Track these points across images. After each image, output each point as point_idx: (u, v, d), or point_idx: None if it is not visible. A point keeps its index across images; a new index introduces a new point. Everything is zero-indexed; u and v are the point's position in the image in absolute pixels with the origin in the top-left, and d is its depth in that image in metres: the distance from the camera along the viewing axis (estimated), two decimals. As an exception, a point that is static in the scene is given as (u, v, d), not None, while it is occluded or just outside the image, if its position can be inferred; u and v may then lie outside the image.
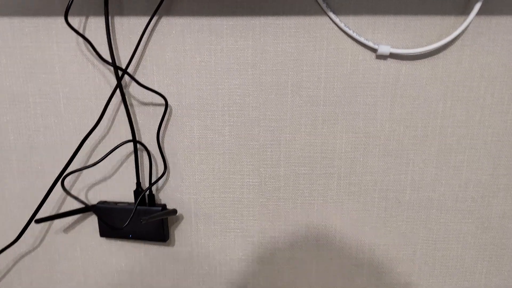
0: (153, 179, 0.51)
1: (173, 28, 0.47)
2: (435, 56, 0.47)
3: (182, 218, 0.53)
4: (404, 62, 0.48)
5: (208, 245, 0.54)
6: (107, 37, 0.45)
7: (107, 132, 0.50)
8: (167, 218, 0.51)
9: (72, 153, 0.50)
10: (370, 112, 0.49)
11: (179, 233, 0.54)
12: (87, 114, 0.50)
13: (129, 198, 0.52)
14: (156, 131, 0.49)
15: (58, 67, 0.48)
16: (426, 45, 0.47)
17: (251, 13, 0.46)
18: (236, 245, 0.54)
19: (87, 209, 0.50)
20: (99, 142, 0.51)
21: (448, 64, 0.47)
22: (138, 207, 0.49)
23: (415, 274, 0.55)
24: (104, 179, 0.52)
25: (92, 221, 0.53)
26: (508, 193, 0.51)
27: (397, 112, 0.49)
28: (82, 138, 0.50)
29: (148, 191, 0.49)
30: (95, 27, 0.47)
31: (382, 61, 0.48)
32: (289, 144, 0.50)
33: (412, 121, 0.49)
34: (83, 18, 0.47)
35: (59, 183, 0.47)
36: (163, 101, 0.49)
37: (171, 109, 0.49)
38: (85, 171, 0.52)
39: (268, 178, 0.51)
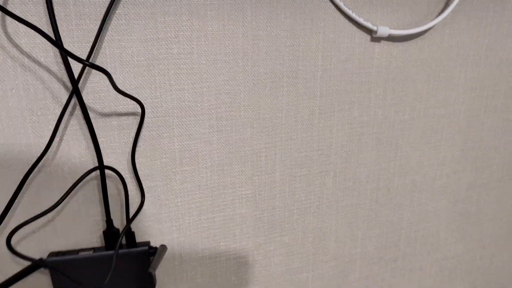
0: (129, 212, 0.38)
1: (140, 11, 0.35)
2: (422, 36, 0.46)
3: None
4: (396, 44, 0.45)
5: (195, 277, 0.44)
6: (51, 19, 0.30)
7: (52, 160, 0.36)
8: (149, 259, 0.39)
9: (6, 198, 0.34)
10: (364, 100, 0.45)
11: (161, 270, 0.43)
12: (20, 137, 0.34)
13: (90, 242, 0.39)
14: (131, 150, 0.37)
15: (-38, 72, 0.32)
16: (417, 26, 0.45)
17: (243, -10, 0.37)
18: (228, 270, 0.46)
19: (37, 266, 0.35)
20: (45, 176, 0.36)
21: (432, 44, 0.46)
22: (111, 251, 0.37)
23: (400, 258, 0.55)
24: (54, 222, 0.37)
25: (39, 283, 0.38)
26: (473, 166, 0.54)
27: (389, 97, 0.46)
28: (16, 174, 0.34)
29: (126, 230, 0.37)
30: (28, 9, 0.32)
31: (376, 43, 0.44)
32: (285, 145, 0.43)
33: (402, 105, 0.47)
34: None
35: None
36: (132, 109, 0.36)
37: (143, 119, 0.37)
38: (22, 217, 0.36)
39: (262, 186, 0.44)
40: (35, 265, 0.35)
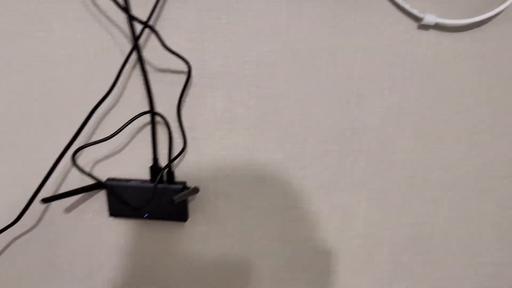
0: (172, 155, 0.45)
1: (198, -16, 0.41)
2: (477, 28, 0.44)
3: (200, 196, 0.49)
4: (447, 33, 0.44)
5: (225, 224, 0.50)
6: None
7: (117, 102, 0.44)
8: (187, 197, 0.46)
9: (77, 125, 0.43)
10: (406, 87, 0.46)
11: (196, 211, 0.50)
12: (93, 80, 0.43)
13: (140, 175, 0.47)
14: (177, 102, 0.44)
15: (56, 24, 0.41)
16: (470, 17, 0.43)
17: (289, -29, 0.41)
18: (256, 224, 0.51)
19: (97, 186, 0.44)
20: (107, 112, 0.44)
21: (489, 37, 0.45)
22: (153, 184, 0.45)
23: (433, 252, 0.54)
24: (113, 153, 0.46)
25: (98, 199, 0.48)
26: (531, 172, 0.51)
27: (433, 87, 0.46)
28: (86, 107, 0.44)
29: (167, 168, 0.44)
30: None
31: (424, 31, 0.44)
32: (319, 119, 0.46)
33: (448, 97, 0.47)
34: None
35: (65, 158, 0.41)
36: (184, 68, 0.43)
37: (191, 78, 0.44)
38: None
39: (294, 155, 0.48)
40: (97, 184, 0.45)
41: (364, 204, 0.51)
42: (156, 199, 0.44)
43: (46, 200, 0.41)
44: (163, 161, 0.47)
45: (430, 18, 0.42)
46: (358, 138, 0.47)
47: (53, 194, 0.44)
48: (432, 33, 0.44)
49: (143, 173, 0.47)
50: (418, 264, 0.55)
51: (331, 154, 0.48)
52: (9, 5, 0.40)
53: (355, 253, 0.53)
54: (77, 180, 0.47)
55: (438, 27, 0.44)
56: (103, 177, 0.47)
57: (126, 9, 0.37)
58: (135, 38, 0.39)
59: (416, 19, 0.43)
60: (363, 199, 0.51)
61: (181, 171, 0.47)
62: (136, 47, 0.40)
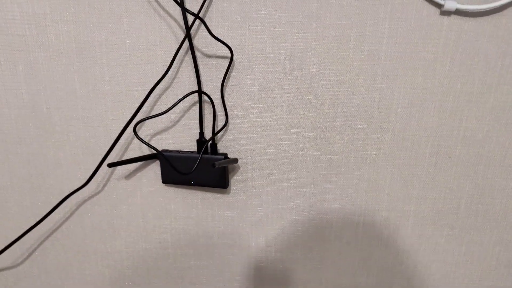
0: (216, 129, 0.52)
1: (240, -21, 0.47)
2: (498, 13, 0.48)
3: (239, 167, 0.55)
4: (467, 18, 0.48)
5: (261, 194, 0.57)
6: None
7: (171, 83, 0.52)
8: (227, 166, 0.53)
9: (138, 103, 0.51)
10: (429, 69, 0.50)
11: (235, 181, 0.56)
12: (152, 64, 0.51)
13: (188, 147, 0.54)
14: (221, 83, 0.51)
15: (125, 17, 0.49)
16: (491, 2, 0.47)
17: (319, -35, 0.47)
18: (288, 195, 0.57)
19: (154, 156, 0.52)
20: (163, 92, 0.52)
21: (510, 21, 0.48)
22: (201, 155, 0.52)
23: (458, 227, 0.57)
24: (166, 128, 0.54)
25: (152, 168, 0.56)
26: (556, 152, 0.53)
27: (456, 69, 0.50)
28: (146, 87, 0.52)
29: (211, 141, 0.51)
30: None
31: (445, 17, 0.48)
32: (347, 99, 0.51)
33: (470, 78, 0.50)
34: (150, -32, 0.48)
35: (127, 131, 0.49)
36: (227, 53, 0.50)
37: (233, 62, 0.50)
38: (146, 120, 0.53)
39: (323, 132, 0.53)
40: (154, 154, 0.52)
41: (389, 179, 0.55)
42: (201, 167, 0.51)
43: (111, 165, 0.49)
44: (208, 135, 0.54)
45: (450, 4, 0.46)
46: (383, 116, 0.52)
47: (117, 161, 0.52)
48: (453, 18, 0.48)
49: (191, 145, 0.54)
50: (443, 238, 0.58)
51: (357, 131, 0.53)
52: (89, 3, 0.49)
53: (380, 226, 0.58)
54: (136, 151, 0.55)
55: (459, 12, 0.48)
56: (157, 148, 0.54)
57: (181, 3, 0.45)
58: (187, 28, 0.47)
59: (438, 5, 0.47)
60: (388, 174, 0.55)
61: (223, 145, 0.54)
62: (188, 36, 0.47)
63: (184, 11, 0.46)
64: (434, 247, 0.59)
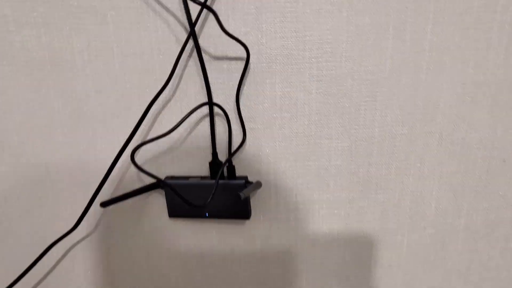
0: (231, 147, 0.43)
1: (253, -39, 0.38)
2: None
3: (260, 190, 0.46)
4: (527, -4, 0.40)
5: (288, 220, 0.47)
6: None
7: (173, 94, 0.42)
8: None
9: (134, 122, 0.41)
10: (482, 58, 0.42)
11: (256, 207, 0.47)
12: (149, 73, 0.41)
13: (198, 171, 0.45)
14: (236, 91, 0.41)
15: (110, 16, 0.39)
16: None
17: None
18: (320, 218, 0.48)
19: (155, 186, 0.42)
20: (164, 106, 0.42)
21: None
22: (214, 180, 0.42)
23: (513, 238, 0.50)
24: (170, 149, 0.44)
25: (156, 199, 0.46)
26: None
27: (512, 57, 0.42)
28: (142, 102, 0.42)
29: (227, 163, 0.42)
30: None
31: (501, -5, 0.40)
32: (387, 100, 0.43)
33: (528, 67, 0.42)
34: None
35: (125, 154, 0.39)
36: (241, 54, 0.40)
37: (249, 63, 0.41)
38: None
39: (360, 141, 0.44)
40: (156, 183, 0.42)
41: (436, 190, 0.47)
42: (217, 196, 0.42)
43: (105, 204, 0.39)
44: (221, 155, 0.44)
45: (508, -21, 0.38)
46: (429, 118, 0.44)
47: (111, 198, 0.42)
48: (510, -4, 0.40)
49: (202, 169, 0.44)
50: (497, 251, 0.51)
51: (399, 137, 0.45)
52: (62, 1, 0.38)
53: (426, 244, 0.50)
54: (135, 181, 0.45)
55: (516, -11, 0.40)
56: (160, 176, 0.44)
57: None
58: (191, 25, 0.37)
59: (492, -19, 0.40)
60: (435, 185, 0.47)
61: (240, 164, 0.45)
62: (192, 34, 0.37)
63: (186, 1, 0.36)
64: (486, 263, 0.51)
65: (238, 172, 0.45)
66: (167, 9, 0.39)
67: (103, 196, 0.45)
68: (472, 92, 0.43)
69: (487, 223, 0.49)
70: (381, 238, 0.49)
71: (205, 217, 0.43)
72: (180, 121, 0.38)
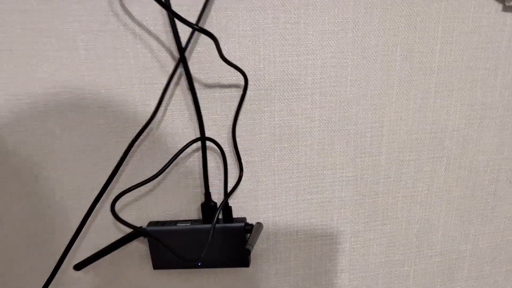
0: (227, 186, 0.38)
1: (248, -24, 0.33)
2: None
3: (258, 230, 0.41)
4: (534, 13, 0.38)
5: (289, 260, 0.43)
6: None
7: (156, 129, 0.36)
8: (245, 235, 0.38)
9: (113, 165, 0.35)
10: (490, 79, 0.40)
11: (254, 248, 0.42)
12: (128, 107, 0.35)
13: (186, 214, 0.39)
14: (232, 123, 0.36)
15: (81, 42, 0.33)
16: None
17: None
18: (323, 256, 0.43)
19: (136, 235, 0.36)
20: (146, 143, 0.36)
21: None
22: (207, 225, 0.37)
23: (518, 260, 0.48)
24: (154, 189, 0.38)
25: (139, 250, 0.40)
26: None
27: (520, 76, 0.40)
28: (121, 141, 0.35)
29: (223, 204, 0.36)
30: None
31: (509, 14, 0.38)
32: (394, 126, 0.39)
33: (535, 86, 0.40)
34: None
35: (99, 205, 0.33)
36: (235, 81, 0.35)
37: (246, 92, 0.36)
38: (124, 185, 0.37)
39: (365, 170, 0.41)
40: (136, 232, 0.36)
41: (444, 216, 0.44)
42: (212, 243, 0.37)
43: (79, 267, 0.33)
44: (214, 195, 0.39)
45: (519, -4, 0.36)
46: (437, 142, 0.41)
47: (85, 258, 0.35)
48: (517, 13, 0.38)
49: (191, 210, 0.39)
50: (502, 275, 0.49)
51: (407, 164, 0.41)
52: (22, 23, 0.31)
53: (433, 273, 0.47)
54: (111, 227, 0.38)
55: (524, 6, 0.38)
56: (143, 220, 0.38)
57: (167, 6, 0.29)
58: (181, 50, 0.31)
59: (502, 0, 0.37)
60: (442, 211, 0.44)
61: (235, 201, 0.40)
62: (183, 60, 0.32)
63: (175, 17, 0.30)
64: (491, 287, 0.49)
65: (234, 213, 0.40)
66: (149, 32, 0.33)
67: (77, 254, 0.38)
68: (480, 114, 0.41)
69: (492, 246, 0.47)
70: (387, 271, 0.45)
71: (197, 267, 0.38)
72: (167, 163, 0.33)
